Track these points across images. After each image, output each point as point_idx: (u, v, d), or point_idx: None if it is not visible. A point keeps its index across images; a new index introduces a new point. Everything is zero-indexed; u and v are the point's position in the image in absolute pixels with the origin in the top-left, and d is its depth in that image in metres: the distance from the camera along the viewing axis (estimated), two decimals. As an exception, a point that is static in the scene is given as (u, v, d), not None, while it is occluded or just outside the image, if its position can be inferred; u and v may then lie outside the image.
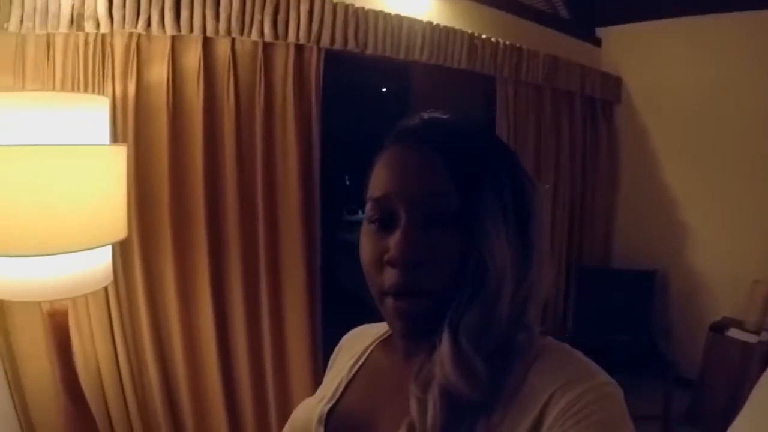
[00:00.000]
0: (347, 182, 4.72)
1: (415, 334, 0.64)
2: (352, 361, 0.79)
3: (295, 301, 2.25)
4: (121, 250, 1.87)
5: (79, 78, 1.75)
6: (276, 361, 2.26)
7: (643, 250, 3.76)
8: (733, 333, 3.03)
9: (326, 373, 0.87)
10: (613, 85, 3.69)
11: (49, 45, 1.70)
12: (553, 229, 3.47)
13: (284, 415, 2.28)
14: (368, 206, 0.65)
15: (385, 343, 0.78)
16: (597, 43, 3.82)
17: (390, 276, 0.60)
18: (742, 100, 3.24)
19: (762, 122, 3.17)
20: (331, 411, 0.72)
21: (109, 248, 1.47)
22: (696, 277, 3.55)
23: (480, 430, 0.55)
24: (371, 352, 0.79)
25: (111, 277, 1.52)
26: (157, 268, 1.99)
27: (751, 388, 2.46)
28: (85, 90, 1.76)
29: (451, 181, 0.59)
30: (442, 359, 0.57)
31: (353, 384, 0.76)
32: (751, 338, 2.95)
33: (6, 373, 1.77)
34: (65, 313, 1.43)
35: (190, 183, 2.00)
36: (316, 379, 2.28)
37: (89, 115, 1.36)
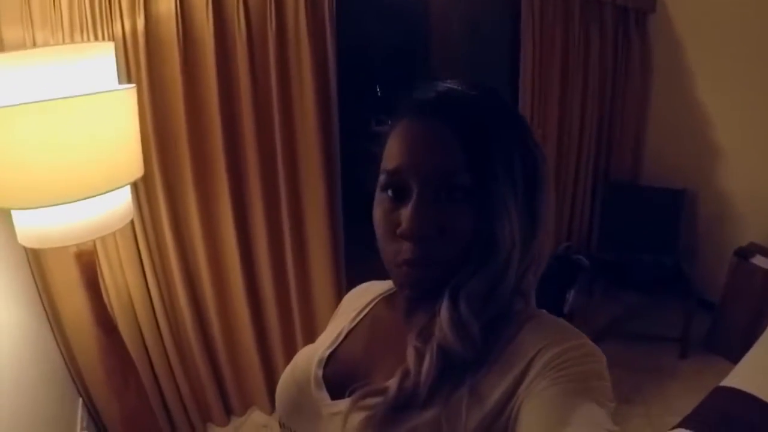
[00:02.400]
0: (378, 93, 4.68)
1: (422, 296, 0.66)
2: (354, 313, 0.82)
3: (317, 216, 2.30)
4: (145, 184, 1.92)
5: (86, 19, 1.73)
6: (299, 276, 2.35)
7: (672, 169, 3.64)
8: (758, 260, 2.94)
9: (330, 323, 0.89)
10: (648, -7, 3.46)
11: (54, -10, 1.68)
12: (580, 144, 3.41)
13: (309, 329, 2.41)
14: (382, 177, 0.65)
15: (388, 299, 0.81)
16: (633, -55, 3.55)
17: (402, 249, 0.62)
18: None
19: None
20: (331, 355, 0.76)
21: (128, 188, 1.51)
22: (726, 199, 3.43)
23: (468, 381, 0.58)
24: (374, 305, 0.82)
25: (131, 215, 1.58)
26: (180, 198, 2.05)
27: (772, 317, 2.45)
28: (94, 30, 1.74)
29: (464, 158, 0.60)
30: (441, 323, 0.60)
31: (354, 332, 0.79)
32: (776, 267, 2.88)
33: (46, 311, 1.89)
34: (91, 253, 1.50)
35: (206, 112, 2.02)
36: (339, 293, 2.39)
37: (97, 63, 1.36)
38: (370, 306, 0.82)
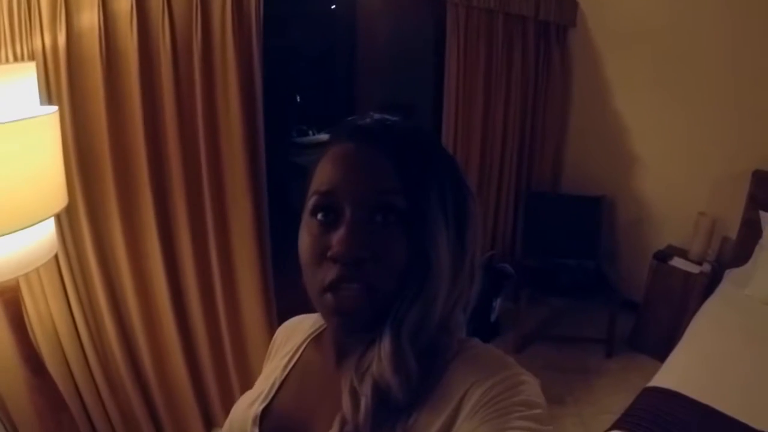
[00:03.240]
0: (298, 100, 4.57)
1: (354, 328, 0.64)
2: (285, 359, 0.80)
3: (243, 235, 2.23)
4: (67, 212, 1.81)
5: (4, 33, 1.61)
6: (228, 302, 2.28)
7: (592, 177, 3.83)
8: (677, 262, 3.15)
9: (264, 363, 0.88)
10: (568, 8, 3.62)
11: (-31, 3, 1.55)
12: (502, 155, 3.51)
13: (240, 354, 2.35)
14: (312, 200, 0.63)
15: (317, 339, 0.80)
16: (552, -37, 3.69)
17: (332, 271, 0.59)
18: (698, 26, 3.21)
19: (717, 51, 3.17)
20: (266, 410, 0.74)
21: (52, 219, 1.42)
22: (643, 205, 3.65)
23: (401, 423, 0.58)
24: (304, 349, 0.80)
25: (56, 248, 1.49)
26: (104, 225, 1.93)
27: (691, 316, 2.60)
28: (12, 45, 1.62)
29: (399, 181, 0.60)
30: (381, 356, 0.59)
31: (286, 383, 0.77)
32: (694, 268, 3.08)
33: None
34: (15, 289, 1.41)
35: (130, 132, 1.91)
36: (268, 309, 2.35)
37: (17, 85, 1.26)
38: (301, 350, 0.80)
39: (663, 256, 3.21)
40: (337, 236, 0.59)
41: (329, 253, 0.59)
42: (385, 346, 0.59)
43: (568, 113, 3.92)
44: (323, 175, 0.63)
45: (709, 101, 3.25)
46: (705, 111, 3.27)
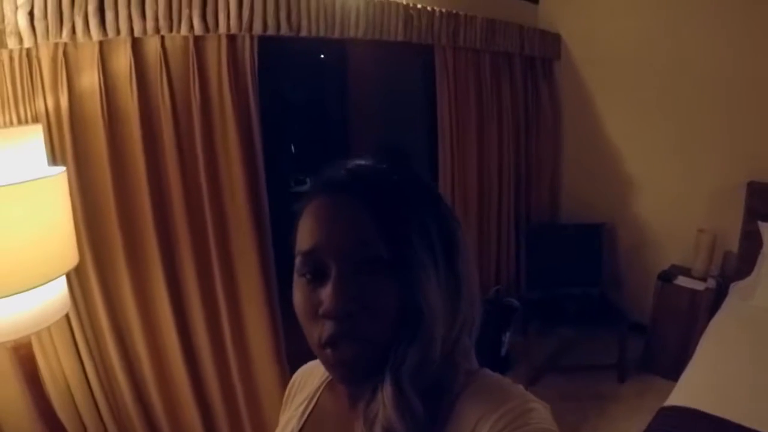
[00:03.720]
0: (293, 150, 4.64)
1: (356, 379, 0.64)
2: (301, 408, 0.80)
3: (251, 286, 2.26)
4: (76, 270, 1.83)
5: (7, 96, 1.66)
6: (238, 349, 2.28)
7: (589, 204, 3.88)
8: (681, 281, 3.16)
9: (281, 412, 0.88)
10: (551, 42, 3.73)
11: (-27, 67, 1.61)
12: (500, 190, 3.55)
13: (252, 401, 2.34)
14: (298, 260, 0.64)
15: (331, 385, 0.80)
16: (534, 0, 3.83)
17: (326, 328, 0.60)
18: (680, 49, 3.31)
19: (701, 71, 3.26)
20: None
21: (63, 277, 1.45)
22: (643, 227, 3.69)
23: None
24: (320, 395, 0.80)
25: (68, 305, 1.51)
26: (113, 281, 1.96)
27: (700, 333, 2.59)
28: (16, 109, 1.68)
29: (379, 231, 0.60)
30: (385, 403, 0.59)
31: (304, 431, 0.78)
32: (699, 285, 3.09)
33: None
34: (29, 346, 1.43)
35: (135, 191, 1.96)
36: (278, 357, 2.35)
37: (24, 147, 1.31)
38: (316, 397, 0.80)
39: (667, 276, 3.22)
40: (326, 293, 0.59)
41: (320, 311, 0.60)
42: (387, 392, 0.59)
43: (561, 143, 3.99)
44: (304, 234, 0.64)
45: (698, 118, 3.32)
46: (695, 128, 3.34)
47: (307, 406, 0.80)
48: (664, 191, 3.56)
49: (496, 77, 3.39)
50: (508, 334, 3.30)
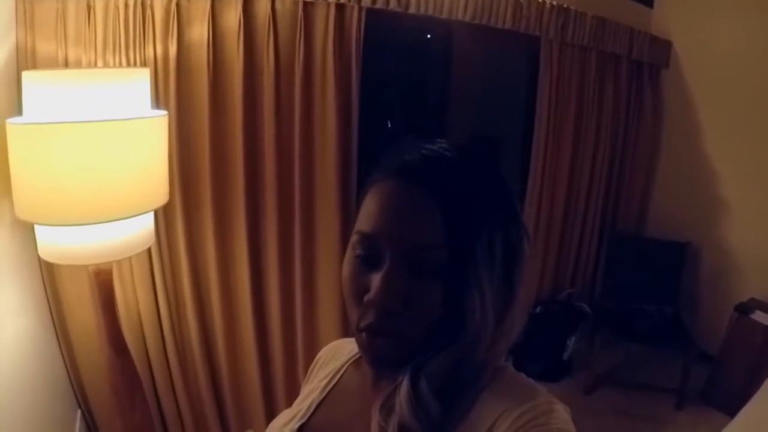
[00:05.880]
0: (389, 126, 4.68)
1: (384, 368, 0.64)
2: (325, 381, 0.80)
3: (329, 250, 2.32)
4: (164, 208, 1.94)
5: (120, 42, 1.77)
6: (306, 308, 2.36)
7: (678, 222, 3.70)
8: (758, 316, 2.98)
9: (303, 384, 0.88)
10: (662, 48, 3.55)
11: (89, 9, 1.72)
12: (589, 194, 3.46)
13: (311, 359, 2.39)
14: (354, 237, 0.63)
15: (358, 362, 0.79)
16: (649, 3, 3.64)
17: (367, 315, 0.60)
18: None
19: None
20: (302, 429, 0.74)
21: (151, 213, 1.54)
22: (728, 254, 3.49)
23: None
24: (345, 371, 0.80)
25: (153, 240, 1.61)
26: (197, 225, 2.07)
27: (768, 373, 2.46)
28: (126, 52, 1.79)
29: (443, 234, 0.57)
30: (401, 399, 0.58)
31: (324, 404, 0.77)
32: (775, 324, 2.92)
33: (54, 323, 1.90)
34: (110, 272, 1.53)
35: (230, 143, 2.05)
36: (345, 328, 2.38)
37: (132, 88, 1.40)
38: (341, 373, 0.80)
39: (745, 309, 3.05)
40: (374, 283, 0.59)
41: (365, 298, 0.59)
42: (404, 391, 0.58)
43: (658, 155, 3.82)
44: (367, 214, 0.62)
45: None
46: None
47: (331, 380, 0.80)
48: (757, 219, 3.35)
49: (601, 78, 3.28)
50: (573, 339, 3.24)
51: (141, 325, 2.05)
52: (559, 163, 3.22)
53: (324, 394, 0.78)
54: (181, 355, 2.16)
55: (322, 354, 0.90)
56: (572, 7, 2.92)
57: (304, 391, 0.84)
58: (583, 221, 3.51)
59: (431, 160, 0.61)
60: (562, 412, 0.57)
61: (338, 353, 0.85)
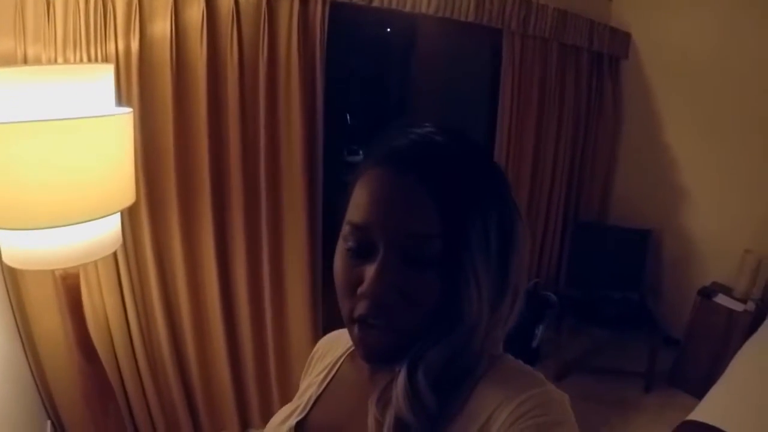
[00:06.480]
0: (348, 121, 4.65)
1: (378, 361, 0.63)
2: (322, 375, 0.79)
3: (296, 246, 2.30)
4: (129, 209, 1.89)
5: (80, 38, 1.71)
6: (276, 307, 2.34)
7: (639, 209, 3.79)
8: (721, 299, 3.08)
9: (302, 378, 0.87)
10: (621, 40, 3.62)
11: (48, 5, 1.65)
12: (552, 184, 3.51)
13: (282, 359, 2.40)
14: (346, 228, 0.61)
15: (354, 354, 0.77)
16: (608, -5, 3.71)
17: (360, 306, 0.59)
18: (752, 62, 3.16)
19: (769, 85, 3.13)
20: (300, 425, 0.73)
21: (118, 214, 1.50)
22: (689, 240, 3.59)
23: None
24: (341, 364, 0.79)
25: (120, 241, 1.56)
26: (163, 225, 2.02)
27: (733, 354, 2.53)
28: (87, 49, 1.72)
29: (437, 222, 0.56)
30: (397, 392, 0.57)
31: (322, 398, 0.76)
32: (738, 306, 3.00)
33: (19, 330, 1.83)
34: (77, 276, 1.48)
35: (195, 140, 2.01)
36: (314, 321, 2.40)
37: (95, 84, 1.35)
38: (338, 365, 0.79)
39: (707, 293, 3.15)
40: (368, 275, 0.57)
41: (359, 290, 0.58)
42: (400, 383, 0.58)
43: (619, 144, 3.89)
44: (358, 204, 0.60)
45: (760, 137, 3.19)
46: (758, 146, 3.21)
47: (328, 373, 0.79)
48: (717, 206, 3.45)
49: (562, 69, 3.32)
50: (541, 327, 3.29)
51: (109, 329, 1.99)
52: (522, 154, 3.25)
53: (321, 389, 0.77)
54: (150, 359, 2.11)
55: (319, 346, 0.88)
56: (534, 0, 2.95)
57: (303, 385, 0.83)
58: (547, 211, 3.55)
59: (420, 145, 0.59)
60: (559, 401, 0.57)
61: (334, 345, 0.83)
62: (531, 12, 2.95)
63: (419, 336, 0.59)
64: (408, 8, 2.44)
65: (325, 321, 2.48)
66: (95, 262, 1.87)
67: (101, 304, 1.95)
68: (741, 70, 3.22)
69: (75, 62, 1.70)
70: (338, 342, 0.83)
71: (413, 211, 0.57)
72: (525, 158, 3.27)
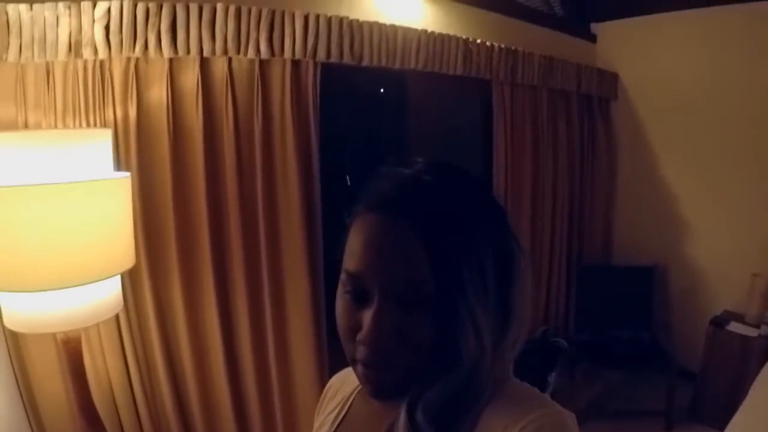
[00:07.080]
0: (348, 183, 4.69)
1: (385, 398, 0.65)
2: (335, 413, 0.81)
3: (300, 313, 2.29)
4: (130, 272, 1.91)
5: (79, 105, 1.76)
6: (281, 366, 2.31)
7: (642, 246, 3.80)
8: (734, 327, 3.06)
9: (315, 416, 0.88)
10: (609, 81, 3.71)
11: (48, 73, 1.71)
12: (553, 229, 3.52)
13: (288, 416, 2.35)
14: (343, 275, 0.63)
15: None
16: (592, 39, 3.84)
17: (360, 351, 0.61)
18: (738, 92, 3.25)
19: (759, 115, 3.18)
20: None
21: (119, 277, 1.51)
22: (695, 271, 3.59)
23: None
24: (353, 400, 0.80)
25: (121, 304, 1.57)
26: (165, 287, 2.02)
27: (752, 381, 2.49)
28: (86, 115, 1.77)
29: (429, 265, 0.57)
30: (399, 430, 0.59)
31: None
32: (752, 332, 2.98)
33: (22, 396, 1.82)
34: (78, 340, 1.48)
35: (194, 203, 2.04)
36: (321, 377, 2.37)
37: (93, 149, 1.39)
38: (350, 402, 0.80)
39: (719, 322, 3.13)
40: (365, 321, 0.59)
41: (358, 337, 0.60)
42: (401, 424, 0.59)
43: (616, 183, 3.94)
44: (352, 251, 0.62)
45: (756, 162, 3.24)
46: (752, 172, 3.26)
47: (341, 410, 0.80)
48: (718, 235, 3.47)
49: (553, 115, 3.39)
50: (554, 375, 3.23)
51: (112, 393, 1.97)
52: (520, 202, 3.28)
53: (335, 426, 0.79)
54: (155, 422, 2.07)
55: (332, 383, 0.89)
56: (520, 49, 3.04)
57: (316, 424, 0.85)
58: (550, 257, 3.56)
59: (409, 188, 0.60)
60: (559, 423, 0.57)
61: (345, 383, 0.85)
62: (518, 61, 3.04)
63: (422, 373, 0.60)
64: (398, 65, 2.51)
65: (332, 361, 2.43)
66: (97, 325, 1.87)
67: (104, 367, 1.93)
68: (730, 101, 3.30)
69: (75, 129, 1.75)
70: (349, 379, 0.84)
71: (404, 258, 0.58)
72: (524, 205, 3.30)
